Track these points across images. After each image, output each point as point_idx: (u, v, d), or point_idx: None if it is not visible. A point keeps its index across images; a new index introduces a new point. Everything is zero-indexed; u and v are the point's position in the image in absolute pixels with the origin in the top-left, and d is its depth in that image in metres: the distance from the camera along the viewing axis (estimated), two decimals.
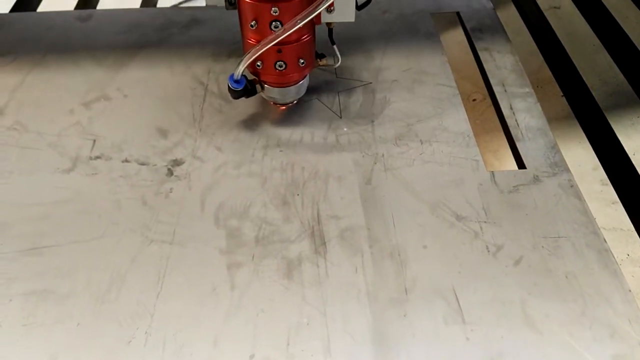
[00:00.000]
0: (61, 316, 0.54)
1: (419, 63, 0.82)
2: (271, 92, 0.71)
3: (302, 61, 0.67)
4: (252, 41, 0.65)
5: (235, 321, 0.53)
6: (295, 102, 0.75)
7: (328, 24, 0.70)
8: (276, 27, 0.62)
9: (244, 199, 0.64)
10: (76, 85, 0.80)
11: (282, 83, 0.70)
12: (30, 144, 0.71)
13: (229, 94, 0.68)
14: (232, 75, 0.67)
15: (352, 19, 0.67)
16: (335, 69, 0.81)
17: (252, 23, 0.63)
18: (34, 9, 1.08)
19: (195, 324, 0.53)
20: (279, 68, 0.67)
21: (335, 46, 0.72)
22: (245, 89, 0.68)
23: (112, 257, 0.58)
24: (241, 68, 0.65)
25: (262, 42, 0.62)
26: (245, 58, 0.64)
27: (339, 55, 0.72)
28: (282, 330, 0.52)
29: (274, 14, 0.61)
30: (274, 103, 0.74)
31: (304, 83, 0.72)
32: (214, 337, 0.52)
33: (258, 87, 0.70)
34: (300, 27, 0.61)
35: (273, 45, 0.62)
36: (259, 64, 0.67)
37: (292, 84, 0.70)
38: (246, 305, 0.54)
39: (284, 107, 0.75)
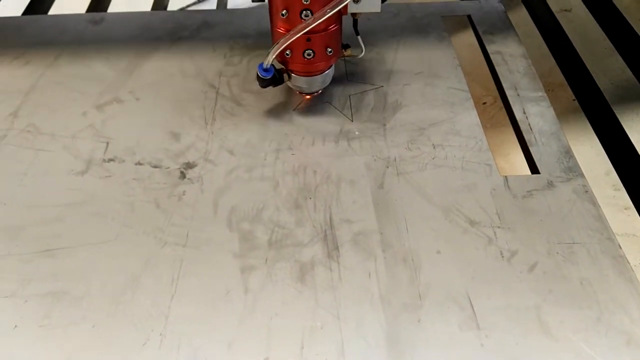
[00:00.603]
0: (76, 318, 0.54)
1: (430, 66, 0.82)
2: (298, 81, 0.73)
3: (329, 50, 0.69)
4: (281, 30, 0.67)
5: (249, 324, 0.53)
6: (320, 91, 0.76)
7: (353, 14, 0.71)
8: (306, 16, 0.64)
9: (257, 202, 0.64)
10: (89, 88, 0.80)
11: (310, 72, 0.71)
12: (44, 146, 0.72)
13: (241, 99, 0.69)
14: (261, 64, 0.69)
15: (378, 10, 0.69)
16: (348, 76, 0.81)
17: (283, 12, 0.65)
18: (46, 12, 1.09)
19: (210, 327, 0.53)
20: (308, 57, 0.68)
21: (359, 37, 0.73)
22: (273, 77, 0.70)
23: (126, 259, 0.59)
24: (271, 57, 0.67)
25: (292, 31, 0.64)
26: (275, 47, 0.65)
27: (363, 46, 0.74)
28: (296, 333, 0.52)
29: (304, 2, 0.63)
30: (299, 92, 0.76)
31: (330, 73, 0.74)
32: (229, 340, 0.52)
33: (285, 76, 0.72)
34: (328, 17, 0.62)
35: (302, 34, 0.64)
36: (288, 52, 0.69)
37: (319, 73, 0.72)
38: (260, 309, 0.54)
39: (309, 97, 0.77)
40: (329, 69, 0.73)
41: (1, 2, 1.14)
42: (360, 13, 0.71)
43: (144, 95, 0.79)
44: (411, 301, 0.54)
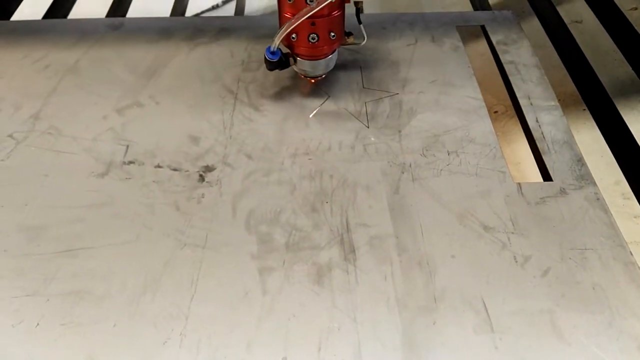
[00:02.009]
0: (97, 317, 0.55)
1: (445, 75, 0.84)
2: (303, 64, 0.76)
3: (332, 34, 0.73)
4: (288, 15, 0.71)
5: (268, 325, 0.54)
6: (324, 76, 0.79)
7: (356, 3, 0.75)
8: (311, 1, 0.68)
9: (274, 206, 0.65)
10: (109, 92, 0.82)
11: (314, 55, 0.75)
12: (66, 148, 0.73)
13: (259, 104, 0.70)
14: (268, 48, 0.72)
15: None
16: (364, 84, 0.83)
17: None
18: (65, 16, 1.10)
19: (229, 327, 0.54)
20: (312, 40, 0.72)
21: (362, 25, 0.76)
22: (280, 61, 0.73)
23: (146, 260, 0.60)
24: (278, 39, 0.70)
25: (298, 15, 0.67)
26: (282, 30, 0.69)
27: (365, 35, 0.77)
28: (314, 335, 0.53)
29: None
30: (304, 76, 0.79)
31: (333, 57, 0.77)
32: (247, 341, 0.53)
33: (291, 60, 0.76)
34: (332, 3, 0.66)
35: (307, 18, 0.68)
36: (293, 36, 0.72)
37: (323, 57, 0.75)
38: (278, 310, 0.55)
39: (313, 81, 0.80)
40: (332, 53, 0.76)
41: (22, 3, 1.15)
42: (362, 2, 0.74)
43: (163, 100, 0.80)
44: (426, 304, 0.55)
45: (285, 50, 0.75)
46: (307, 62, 0.76)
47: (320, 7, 0.66)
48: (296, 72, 0.79)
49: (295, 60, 0.76)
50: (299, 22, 0.67)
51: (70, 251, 0.61)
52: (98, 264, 0.60)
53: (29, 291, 0.57)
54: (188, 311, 0.55)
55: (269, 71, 0.77)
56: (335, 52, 0.77)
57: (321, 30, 0.71)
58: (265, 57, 0.73)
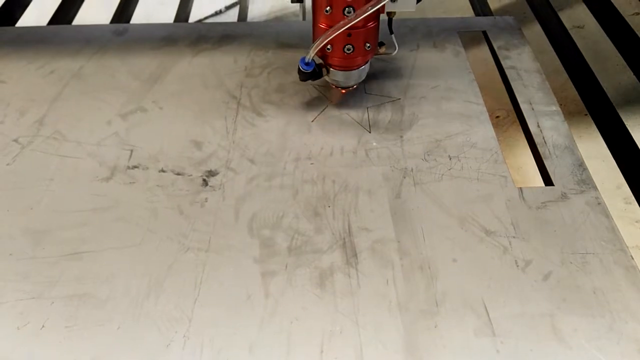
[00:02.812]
0: (102, 319, 0.55)
1: (446, 80, 0.84)
2: (336, 75, 0.76)
3: (368, 45, 0.73)
4: (323, 26, 0.71)
5: (270, 328, 0.54)
6: (355, 86, 0.79)
7: (389, 13, 0.74)
8: (349, 12, 0.68)
9: (277, 210, 0.66)
10: (113, 97, 0.82)
11: (348, 66, 0.75)
12: (70, 153, 0.74)
13: (262, 109, 0.71)
14: (302, 58, 0.72)
15: (413, 9, 0.72)
16: (366, 89, 0.83)
17: (327, 9, 0.69)
18: (69, 22, 1.11)
19: (232, 330, 0.54)
20: (347, 51, 0.72)
21: (393, 35, 0.76)
22: (313, 71, 0.74)
23: (150, 263, 0.60)
24: (314, 51, 0.70)
25: (335, 27, 0.67)
26: (318, 41, 0.69)
27: (397, 45, 0.77)
28: (316, 338, 0.54)
29: (348, 0, 0.67)
30: (336, 86, 0.79)
31: (366, 68, 0.77)
32: (250, 344, 0.53)
33: (324, 70, 0.76)
34: (368, 14, 0.66)
35: (344, 30, 0.68)
36: (329, 47, 0.72)
37: (356, 68, 0.75)
38: (280, 313, 0.56)
39: (344, 91, 0.80)
40: (365, 64, 0.76)
41: (27, 10, 1.16)
42: (394, 12, 0.74)
43: (167, 105, 0.81)
44: (428, 308, 0.55)
45: (318, 60, 0.75)
46: (340, 72, 0.76)
47: (358, 19, 0.66)
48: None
49: (328, 71, 0.76)
50: (336, 34, 0.67)
51: (74, 254, 0.61)
52: (102, 267, 0.60)
53: (34, 294, 0.58)
54: (191, 314, 0.56)
55: (271, 78, 0.78)
56: (368, 63, 0.77)
57: (357, 41, 0.71)
58: (299, 68, 0.73)
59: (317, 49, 0.70)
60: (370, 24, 0.71)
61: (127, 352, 0.53)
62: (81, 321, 0.55)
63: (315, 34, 0.73)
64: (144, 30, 0.97)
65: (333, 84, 0.79)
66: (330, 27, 0.68)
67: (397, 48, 0.77)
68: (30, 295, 0.58)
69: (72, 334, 0.54)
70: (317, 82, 0.80)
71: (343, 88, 0.79)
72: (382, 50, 0.77)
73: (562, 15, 1.05)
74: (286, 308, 0.56)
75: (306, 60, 0.72)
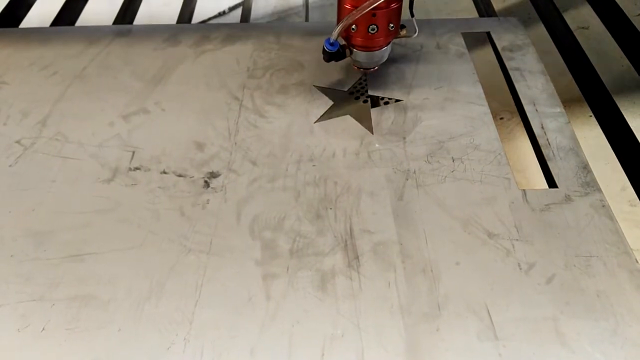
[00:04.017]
0: (103, 321, 0.55)
1: (450, 82, 0.84)
2: (358, 55, 0.78)
3: (391, 25, 0.75)
4: (348, 6, 0.72)
5: (271, 331, 0.54)
6: (376, 68, 0.82)
7: None
8: None
9: (278, 212, 0.65)
10: (116, 99, 0.82)
11: (371, 47, 0.77)
12: (72, 154, 0.74)
13: (264, 111, 0.71)
14: (328, 39, 0.75)
15: None
16: (369, 88, 0.83)
17: None
18: (73, 23, 1.11)
19: (233, 333, 0.54)
20: (372, 31, 0.74)
21: (413, 18, 0.78)
22: (337, 52, 0.76)
23: (152, 265, 0.60)
24: (338, 31, 0.73)
25: (360, 7, 0.69)
26: (343, 21, 0.71)
27: (417, 28, 0.78)
28: (317, 341, 0.53)
29: None
30: (358, 68, 0.82)
31: (388, 49, 0.79)
32: (251, 346, 0.53)
33: (347, 51, 0.78)
34: None
35: (369, 10, 0.69)
36: (354, 27, 0.74)
37: (378, 48, 0.77)
38: (281, 316, 0.55)
39: (366, 72, 0.83)
40: (387, 45, 0.78)
41: (30, 10, 1.16)
42: None
43: (169, 106, 0.81)
44: (430, 311, 0.55)
45: (342, 42, 0.77)
46: (363, 53, 0.78)
47: (382, 0, 0.67)
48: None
49: (351, 52, 0.78)
50: (362, 13, 0.69)
51: (76, 256, 0.61)
52: (104, 269, 0.60)
53: (35, 296, 0.58)
54: (192, 316, 0.55)
55: (274, 79, 0.78)
56: (390, 45, 0.79)
57: (381, 22, 0.73)
58: (323, 48, 0.75)
59: (343, 29, 0.72)
60: (394, 5, 0.73)
61: (127, 354, 0.53)
62: (82, 323, 0.55)
63: (340, 14, 0.75)
64: (147, 31, 0.97)
65: (355, 65, 0.82)
66: (356, 7, 0.69)
67: (417, 31, 0.78)
68: (32, 297, 0.58)
69: (73, 336, 0.54)
70: (320, 83, 0.80)
71: (365, 69, 0.81)
72: (404, 32, 0.79)
73: (566, 16, 1.04)
74: (287, 311, 0.56)
75: (331, 41, 0.75)
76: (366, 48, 0.77)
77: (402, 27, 0.78)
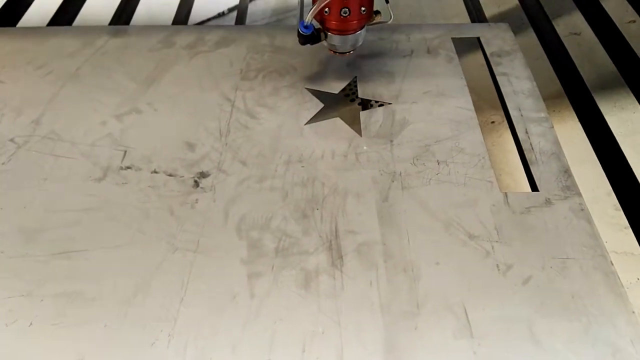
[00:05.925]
0: (89, 318, 0.57)
1: (438, 86, 0.85)
2: (333, 39, 0.80)
3: (363, 9, 0.76)
4: None
5: (254, 328, 0.55)
6: (352, 52, 0.82)
7: None
8: None
9: (266, 212, 0.67)
10: (109, 99, 0.84)
11: (344, 30, 0.78)
12: (64, 152, 0.75)
13: (255, 112, 0.72)
14: (302, 22, 0.76)
15: None
16: (358, 91, 0.84)
17: None
18: (69, 23, 1.12)
19: (216, 330, 0.55)
20: (344, 14, 0.75)
21: (388, 5, 0.79)
22: (312, 35, 0.77)
23: (139, 263, 0.61)
24: (312, 14, 0.74)
25: None
26: (316, 5, 0.72)
27: (392, 13, 0.79)
28: (298, 338, 0.55)
29: None
30: (334, 52, 0.83)
31: (362, 34, 0.80)
32: (233, 343, 0.54)
33: (322, 35, 0.79)
34: None
35: None
36: (327, 10, 0.76)
37: (352, 32, 0.78)
38: (264, 313, 0.57)
39: (340, 55, 0.84)
40: (361, 29, 0.79)
41: (29, 9, 1.17)
42: None
43: (162, 107, 0.82)
44: (409, 309, 0.56)
45: (317, 26, 0.78)
46: (337, 37, 0.79)
47: None
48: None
49: (325, 36, 0.79)
50: None
51: (64, 253, 0.63)
52: (91, 266, 0.61)
53: (24, 292, 0.59)
54: (177, 313, 0.57)
55: (266, 81, 0.79)
56: (364, 29, 0.80)
57: (353, 5, 0.74)
58: (298, 32, 0.77)
59: (316, 12, 0.73)
60: None
61: (112, 350, 0.54)
62: (68, 319, 0.57)
63: None
64: (142, 33, 0.99)
65: (331, 49, 0.83)
66: None
67: (392, 17, 0.79)
68: (20, 292, 0.59)
69: (58, 331, 0.56)
70: (311, 85, 0.81)
71: (340, 53, 0.82)
72: (378, 18, 0.80)
73: (559, 21, 1.06)
74: (270, 309, 0.57)
75: (305, 24, 0.76)
76: (340, 31, 0.78)
77: (377, 12, 0.79)
